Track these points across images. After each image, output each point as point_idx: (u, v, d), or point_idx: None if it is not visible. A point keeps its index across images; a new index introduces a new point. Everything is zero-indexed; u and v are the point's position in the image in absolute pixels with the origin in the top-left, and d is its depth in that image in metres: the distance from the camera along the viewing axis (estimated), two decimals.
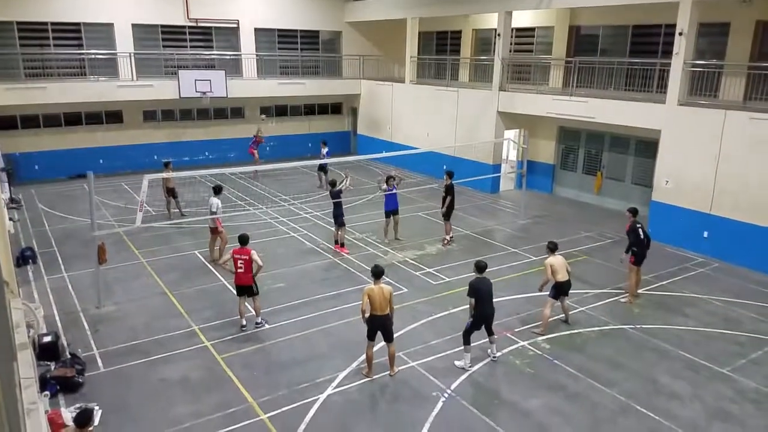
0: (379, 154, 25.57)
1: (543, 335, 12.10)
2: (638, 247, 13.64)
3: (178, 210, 19.75)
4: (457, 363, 10.97)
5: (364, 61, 31.61)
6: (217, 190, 15.79)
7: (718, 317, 13.19)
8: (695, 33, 17.36)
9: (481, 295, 10.68)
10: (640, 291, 14.08)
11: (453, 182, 17.49)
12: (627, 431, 9.15)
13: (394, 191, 17.46)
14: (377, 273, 10.35)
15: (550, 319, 12.34)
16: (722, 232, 16.65)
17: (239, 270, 11.94)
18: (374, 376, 10.50)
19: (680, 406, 9.75)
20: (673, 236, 17.67)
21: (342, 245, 16.96)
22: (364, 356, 10.81)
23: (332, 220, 17.10)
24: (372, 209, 20.85)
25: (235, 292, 12.47)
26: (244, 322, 12.22)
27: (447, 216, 17.58)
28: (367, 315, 10.32)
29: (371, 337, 10.43)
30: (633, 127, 19.29)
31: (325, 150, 23.63)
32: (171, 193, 19.39)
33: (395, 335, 10.63)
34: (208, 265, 15.68)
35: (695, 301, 14.00)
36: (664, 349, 11.67)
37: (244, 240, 12.12)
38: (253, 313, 12.39)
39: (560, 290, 12.32)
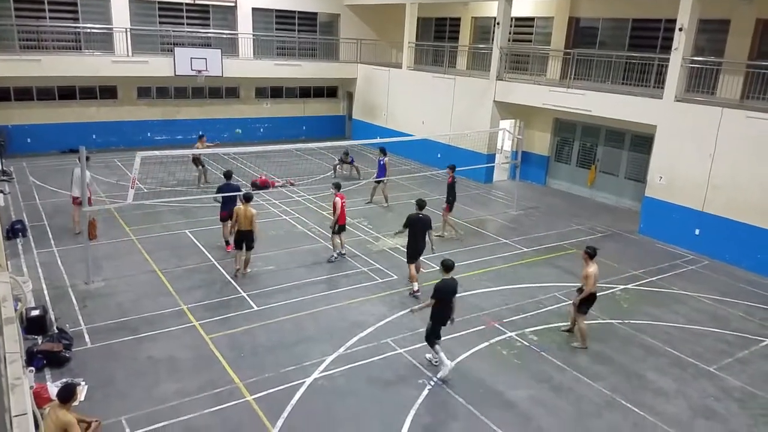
0: (373, 139, 25.48)
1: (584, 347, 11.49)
2: (454, 198, 16.93)
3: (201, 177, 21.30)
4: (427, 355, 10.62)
5: (361, 45, 31.40)
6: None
7: (707, 315, 13.25)
8: (695, 29, 17.32)
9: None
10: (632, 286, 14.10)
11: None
12: (611, 425, 9.20)
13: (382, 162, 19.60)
14: (247, 197, 13.58)
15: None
16: (714, 230, 16.69)
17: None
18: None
19: (665, 402, 9.81)
20: (665, 232, 17.72)
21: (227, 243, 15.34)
22: (351, 341, 10.88)
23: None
24: (365, 195, 20.75)
25: None
26: (335, 254, 14.99)
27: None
28: (235, 230, 13.38)
29: (238, 246, 13.55)
30: (629, 121, 19.28)
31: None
32: (198, 162, 21.16)
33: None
34: (199, 244, 15.62)
35: (684, 298, 14.05)
36: (652, 345, 11.72)
37: (337, 186, 14.79)
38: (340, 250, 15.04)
39: (593, 303, 11.38)
